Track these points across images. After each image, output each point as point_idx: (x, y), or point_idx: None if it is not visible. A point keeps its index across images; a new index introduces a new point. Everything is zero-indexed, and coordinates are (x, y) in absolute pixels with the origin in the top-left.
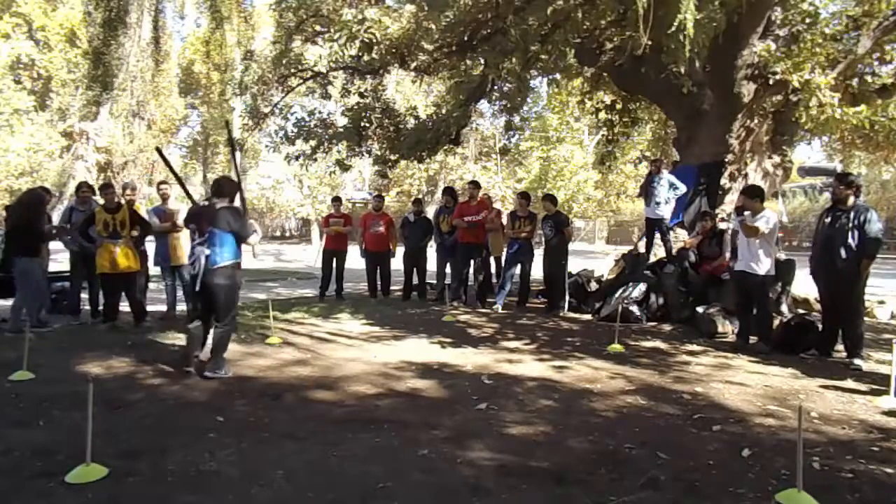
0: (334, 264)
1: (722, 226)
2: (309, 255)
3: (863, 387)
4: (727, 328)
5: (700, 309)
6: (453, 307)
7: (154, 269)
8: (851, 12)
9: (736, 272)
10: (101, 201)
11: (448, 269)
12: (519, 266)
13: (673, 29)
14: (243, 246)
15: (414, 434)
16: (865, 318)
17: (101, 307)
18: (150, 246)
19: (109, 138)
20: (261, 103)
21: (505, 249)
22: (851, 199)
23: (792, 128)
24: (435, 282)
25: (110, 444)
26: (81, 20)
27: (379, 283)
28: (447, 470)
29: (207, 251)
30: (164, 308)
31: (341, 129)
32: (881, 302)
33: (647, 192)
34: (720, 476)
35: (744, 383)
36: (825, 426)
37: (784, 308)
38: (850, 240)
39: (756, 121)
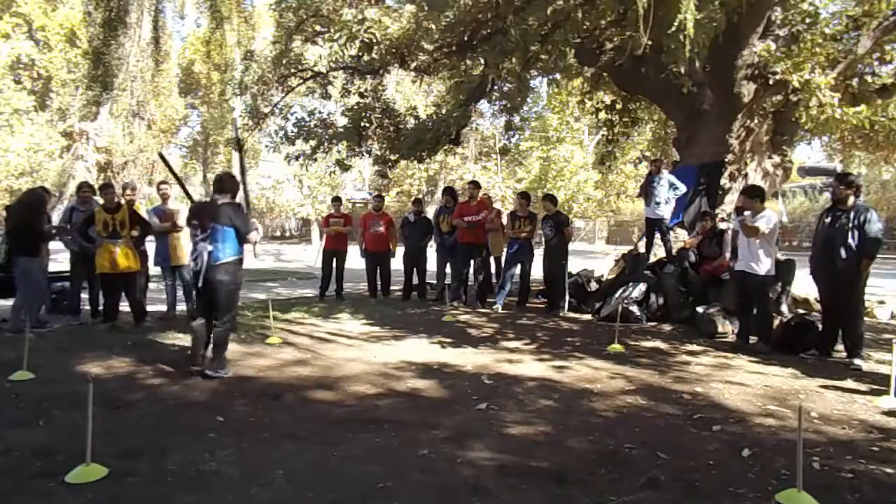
0: (334, 264)
1: (722, 226)
2: (309, 255)
3: (863, 387)
4: (727, 328)
5: (700, 309)
6: (453, 307)
7: (154, 269)
8: (851, 12)
9: (736, 272)
10: (101, 201)
11: (448, 269)
12: (519, 266)
13: (673, 29)
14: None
15: (414, 434)
16: (865, 318)
17: (101, 307)
18: (151, 246)
19: (109, 138)
20: (261, 103)
21: (505, 249)
22: (851, 199)
23: (792, 128)
24: (435, 282)
25: (110, 444)
26: (81, 20)
27: (379, 283)
28: (447, 470)
29: (210, 247)
30: (164, 308)
31: (341, 129)
32: (881, 302)
33: (647, 192)
34: (720, 476)
35: (744, 383)
36: (825, 426)
37: (784, 308)
38: (850, 240)
39: (756, 121)
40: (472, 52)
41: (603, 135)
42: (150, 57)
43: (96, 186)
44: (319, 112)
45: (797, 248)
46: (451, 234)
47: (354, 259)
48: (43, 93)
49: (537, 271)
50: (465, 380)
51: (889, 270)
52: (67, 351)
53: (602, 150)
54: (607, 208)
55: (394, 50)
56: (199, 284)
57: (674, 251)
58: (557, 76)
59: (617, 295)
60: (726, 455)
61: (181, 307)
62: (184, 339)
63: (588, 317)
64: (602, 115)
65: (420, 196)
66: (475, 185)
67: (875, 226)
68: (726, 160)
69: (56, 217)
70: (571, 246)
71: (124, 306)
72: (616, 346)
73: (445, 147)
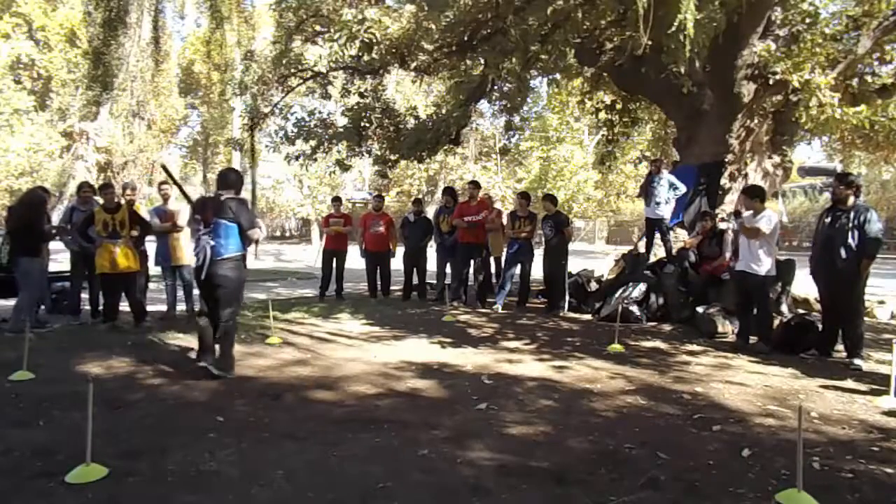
0: (334, 264)
1: (722, 226)
2: (309, 255)
3: (863, 387)
4: (727, 328)
5: (700, 309)
6: (453, 307)
7: (154, 269)
8: (851, 12)
9: (736, 272)
10: (101, 201)
11: (448, 269)
12: (519, 266)
13: (673, 29)
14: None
15: (414, 434)
16: (865, 318)
17: (101, 307)
18: (151, 246)
19: (109, 138)
20: (261, 103)
21: (505, 249)
22: (851, 199)
23: (792, 128)
24: (435, 282)
25: (110, 444)
26: (81, 20)
27: (379, 283)
28: (447, 470)
29: (212, 242)
30: (164, 308)
31: (341, 129)
32: (881, 302)
33: (647, 192)
34: (720, 476)
35: (744, 383)
36: (825, 426)
37: (784, 308)
38: (850, 240)
39: (756, 121)
40: (472, 52)
41: (603, 135)
42: (150, 57)
43: (96, 186)
44: (319, 112)
45: (797, 248)
46: (451, 234)
47: (354, 259)
48: (43, 93)
49: (537, 271)
50: (465, 380)
51: (889, 270)
52: (67, 351)
53: (602, 150)
54: (607, 208)
55: (394, 50)
56: (202, 279)
57: (674, 251)
58: (557, 76)
59: (617, 295)
60: (726, 455)
61: (181, 307)
62: (184, 339)
63: (588, 317)
64: (602, 115)
65: (420, 196)
66: (475, 185)
67: (875, 226)
68: (726, 160)
69: (56, 217)
70: (571, 246)
71: (124, 306)
72: (616, 346)
73: (445, 147)
